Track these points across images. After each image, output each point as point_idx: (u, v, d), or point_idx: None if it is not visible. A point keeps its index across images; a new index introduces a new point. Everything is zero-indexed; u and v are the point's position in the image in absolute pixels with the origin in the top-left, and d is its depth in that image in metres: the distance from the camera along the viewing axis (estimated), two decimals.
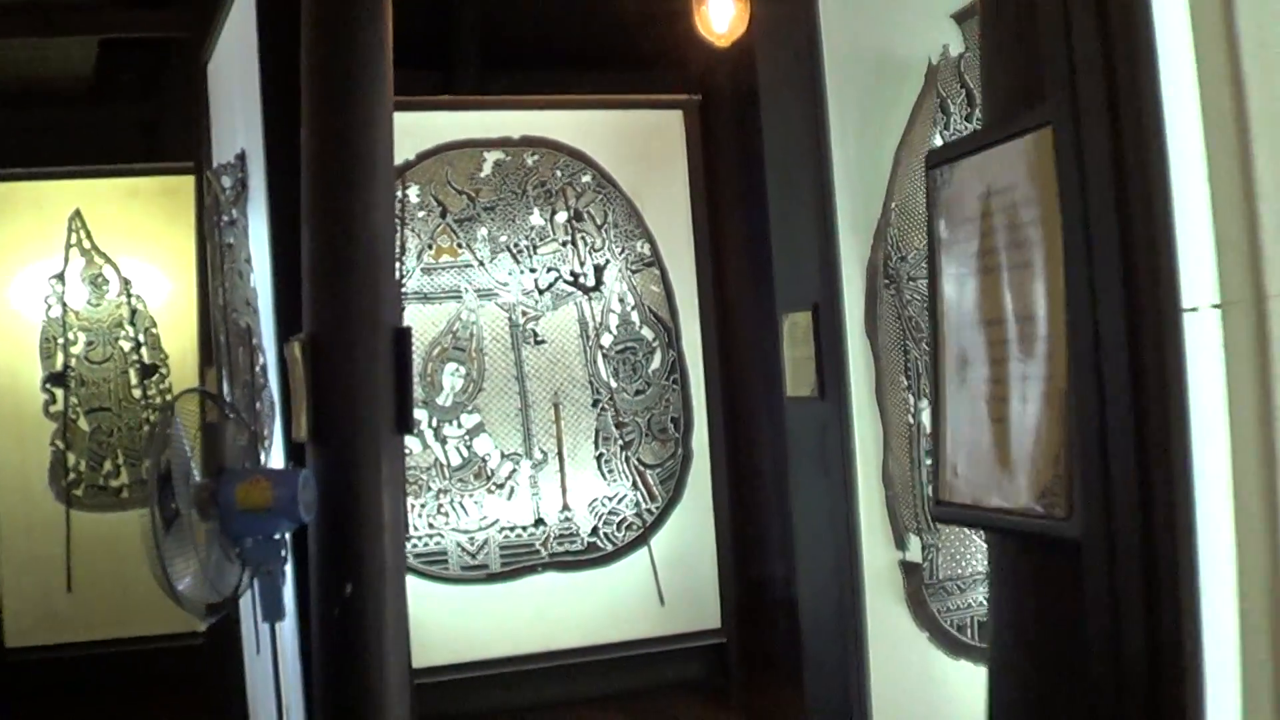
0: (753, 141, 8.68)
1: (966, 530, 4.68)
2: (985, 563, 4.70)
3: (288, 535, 4.24)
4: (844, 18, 4.66)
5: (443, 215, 7.54)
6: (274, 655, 4.47)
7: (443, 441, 7.50)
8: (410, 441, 7.14)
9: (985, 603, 4.69)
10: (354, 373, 4.29)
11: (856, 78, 4.67)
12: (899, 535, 4.64)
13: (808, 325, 4.68)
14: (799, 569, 4.97)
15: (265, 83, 5.18)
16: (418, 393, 7.22)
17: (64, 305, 8.51)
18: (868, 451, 4.62)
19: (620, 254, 7.92)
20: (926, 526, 4.66)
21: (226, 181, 5.92)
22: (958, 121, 4.72)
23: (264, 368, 5.50)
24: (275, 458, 5.28)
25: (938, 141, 4.70)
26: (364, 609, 4.18)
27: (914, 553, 4.64)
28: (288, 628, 4.76)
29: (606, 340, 7.91)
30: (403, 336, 4.36)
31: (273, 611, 4.23)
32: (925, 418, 4.68)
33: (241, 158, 5.76)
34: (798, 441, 4.92)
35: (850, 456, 4.59)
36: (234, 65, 5.99)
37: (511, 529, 7.60)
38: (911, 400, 4.68)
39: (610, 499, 7.86)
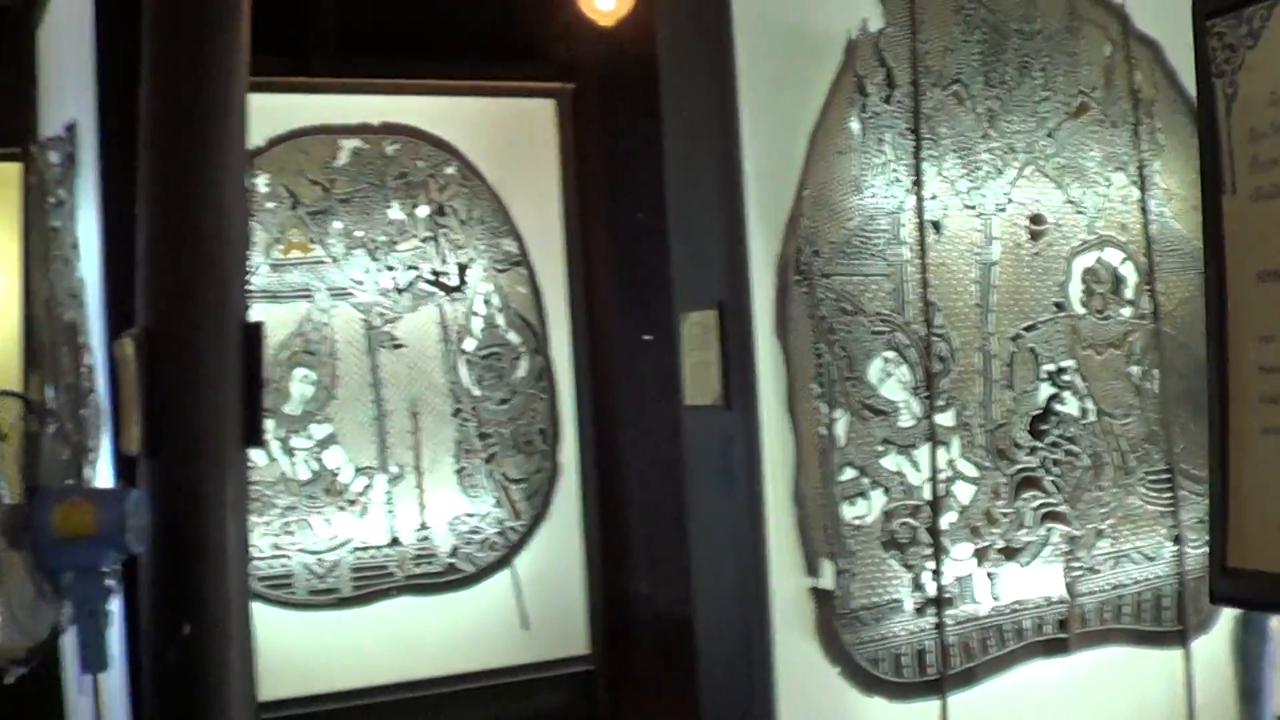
0: (626, 133, 8.31)
1: (882, 554, 4.34)
2: (903, 590, 4.42)
3: (116, 567, 3.71)
4: None
5: (294, 207, 7.01)
6: (96, 707, 3.92)
7: (290, 454, 6.96)
8: (254, 454, 6.61)
9: (902, 633, 4.44)
10: (196, 375, 3.80)
11: (769, 53, 4.34)
12: (810, 560, 4.31)
13: (711, 326, 4.35)
14: (697, 597, 4.63)
15: (100, 41, 4.70)
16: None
17: None
18: (777, 467, 4.28)
19: (485, 252, 7.47)
20: (840, 550, 4.35)
21: (54, 157, 5.41)
22: (876, 103, 4.49)
23: (91, 369, 5.00)
24: (103, 475, 4.78)
25: (855, 126, 4.40)
26: (205, 652, 3.67)
27: (826, 579, 4.32)
28: (114, 674, 4.25)
29: (469, 345, 7.44)
30: (254, 333, 3.85)
31: (95, 660, 3.68)
32: (840, 429, 4.38)
33: (71, 130, 5.29)
34: (698, 455, 4.61)
35: (758, 472, 4.24)
36: (66, 25, 5.49)
37: (364, 549, 7.08)
38: (825, 410, 4.36)
39: (471, 516, 7.37)
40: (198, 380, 3.78)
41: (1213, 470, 2.22)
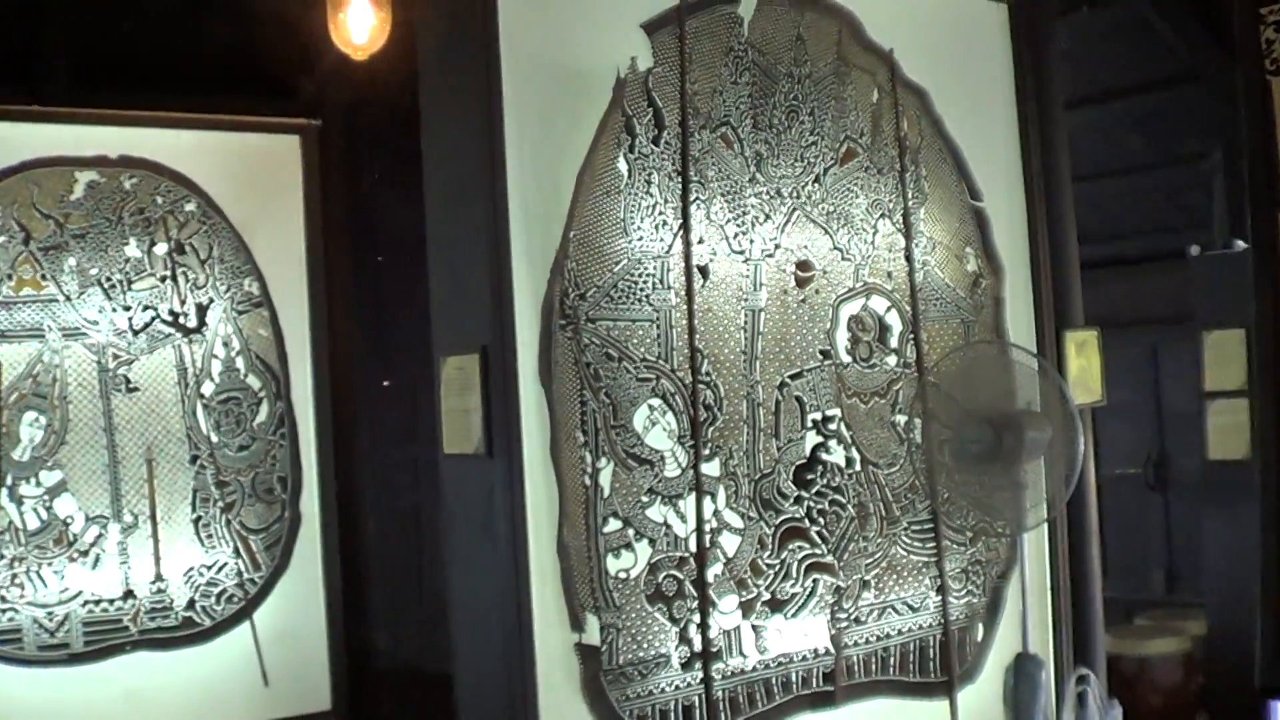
0: (372, 172, 8.14)
1: (648, 607, 4.26)
2: (669, 644, 4.35)
3: None
4: (527, 20, 4.21)
5: (25, 242, 6.64)
6: None
7: (18, 502, 6.58)
8: None
9: (669, 689, 4.35)
10: None
11: (537, 89, 4.25)
12: (575, 614, 4.20)
13: (473, 371, 4.20)
14: (458, 654, 4.47)
15: None
16: None
17: None
18: (540, 518, 4.15)
19: (226, 292, 7.20)
20: (605, 604, 4.25)
21: None
22: (644, 144, 4.42)
23: None
24: None
25: (622, 166, 4.34)
26: None
27: (591, 634, 4.22)
28: None
29: (208, 389, 7.17)
30: None
31: None
32: (604, 479, 4.27)
33: None
34: (457, 506, 4.43)
35: (521, 524, 4.10)
36: None
37: (97, 602, 6.73)
38: (589, 459, 4.25)
39: (209, 568, 7.08)
40: None
41: (1268, 547, 2.04)
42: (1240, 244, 7.16)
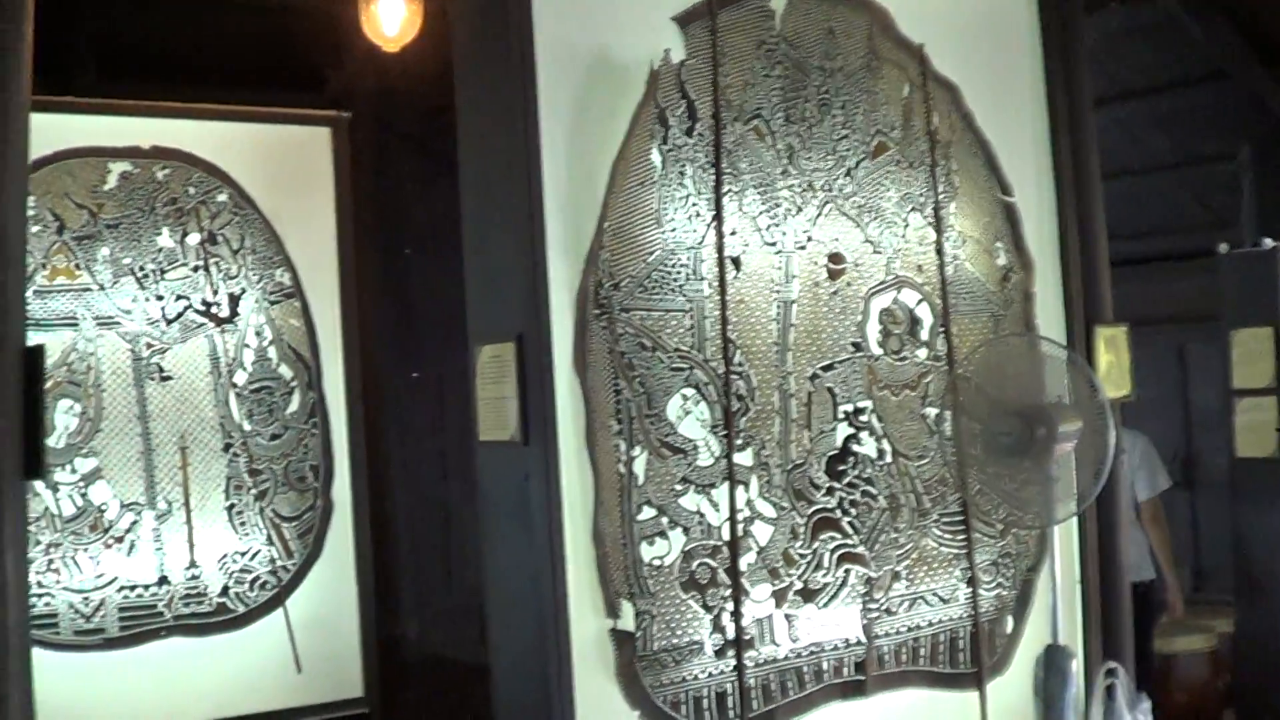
0: (400, 164, 8.18)
1: (682, 595, 4.27)
2: (703, 631, 4.36)
3: None
4: (560, 12, 4.24)
5: (59, 232, 6.69)
6: None
7: (54, 488, 6.62)
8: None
9: (702, 676, 4.37)
10: None
11: (572, 80, 4.27)
12: (610, 601, 4.22)
13: (509, 359, 4.21)
14: (493, 640, 4.49)
15: None
16: None
17: None
18: (575, 505, 4.17)
19: (258, 283, 7.24)
20: (640, 591, 4.27)
21: None
22: (678, 135, 4.43)
23: None
24: None
25: (656, 158, 4.34)
26: None
27: (626, 620, 4.24)
28: None
29: (240, 378, 7.20)
30: (35, 357, 3.62)
31: None
32: (639, 467, 4.30)
33: None
34: (493, 494, 4.44)
35: (557, 511, 4.13)
36: None
37: (132, 588, 6.78)
38: (624, 447, 4.27)
39: (242, 555, 7.12)
40: None
41: None
42: (1269, 242, 7.17)
